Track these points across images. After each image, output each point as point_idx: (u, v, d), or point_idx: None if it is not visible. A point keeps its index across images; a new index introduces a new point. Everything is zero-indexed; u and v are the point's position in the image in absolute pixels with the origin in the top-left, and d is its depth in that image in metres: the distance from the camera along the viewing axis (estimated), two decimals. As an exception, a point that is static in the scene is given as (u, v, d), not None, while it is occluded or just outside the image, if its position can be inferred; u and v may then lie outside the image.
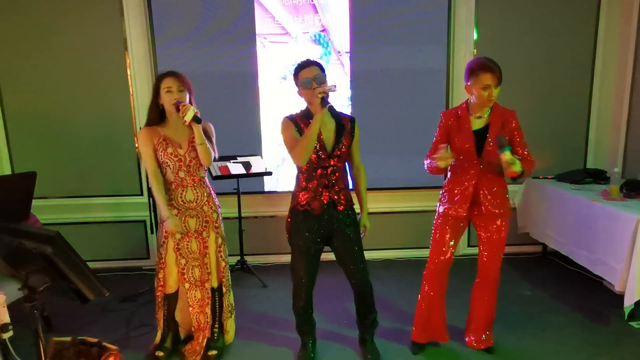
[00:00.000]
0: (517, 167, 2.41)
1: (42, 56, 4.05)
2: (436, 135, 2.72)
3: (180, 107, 2.51)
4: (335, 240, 2.62)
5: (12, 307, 2.52)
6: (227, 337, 2.96)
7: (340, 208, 2.57)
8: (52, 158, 4.20)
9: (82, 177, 4.27)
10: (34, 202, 3.15)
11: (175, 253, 2.71)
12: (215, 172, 3.75)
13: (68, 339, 2.31)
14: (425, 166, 2.70)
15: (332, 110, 2.40)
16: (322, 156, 2.51)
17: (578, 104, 4.42)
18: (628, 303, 3.02)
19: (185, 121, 2.51)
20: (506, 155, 2.39)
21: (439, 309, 2.82)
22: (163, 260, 2.73)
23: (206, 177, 2.79)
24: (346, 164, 2.67)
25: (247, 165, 3.89)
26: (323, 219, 2.56)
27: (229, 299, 2.90)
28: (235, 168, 3.82)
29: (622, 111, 4.27)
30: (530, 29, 4.25)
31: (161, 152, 2.61)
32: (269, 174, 3.97)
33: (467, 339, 2.93)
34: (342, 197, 2.58)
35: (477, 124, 2.61)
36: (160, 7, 4.00)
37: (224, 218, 4.27)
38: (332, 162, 2.52)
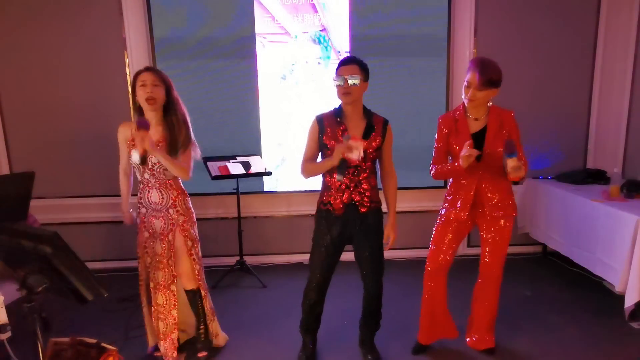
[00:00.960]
0: (522, 172, 2.37)
1: (41, 55, 4.03)
2: (436, 140, 2.68)
3: (135, 132, 2.39)
4: (355, 241, 2.60)
5: (10, 308, 2.51)
6: (218, 339, 2.93)
7: (363, 210, 2.53)
8: (50, 158, 4.19)
9: (81, 177, 4.25)
10: (33, 202, 3.14)
11: (143, 249, 2.68)
12: (215, 172, 3.74)
13: (66, 339, 2.30)
14: (434, 172, 2.66)
15: (364, 109, 2.51)
16: None
17: (578, 104, 4.41)
18: (629, 304, 3.01)
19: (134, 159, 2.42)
20: (514, 162, 2.35)
21: (442, 307, 2.82)
22: (139, 255, 2.71)
23: (178, 180, 2.67)
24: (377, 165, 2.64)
25: (246, 165, 3.88)
26: (344, 219, 2.54)
27: (209, 301, 2.83)
28: (235, 168, 3.81)
29: (622, 111, 4.27)
30: (531, 30, 4.24)
31: (128, 152, 2.58)
32: (269, 174, 3.96)
33: (468, 339, 2.92)
34: (365, 199, 2.53)
35: (475, 126, 2.58)
36: (159, 7, 3.99)
37: (222, 218, 4.33)
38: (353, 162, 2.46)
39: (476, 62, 2.46)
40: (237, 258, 4.09)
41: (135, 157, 2.38)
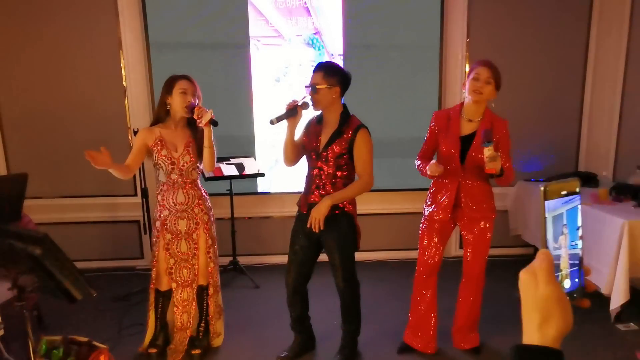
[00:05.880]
0: (498, 164, 2.35)
1: (37, 56, 4.07)
2: (427, 135, 2.76)
3: (195, 110, 2.59)
4: (323, 242, 2.67)
5: (3, 307, 2.55)
6: (218, 339, 2.97)
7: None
8: (46, 158, 4.22)
9: (76, 177, 4.28)
10: (28, 202, 3.17)
11: (165, 252, 2.74)
12: (208, 173, 3.77)
13: (58, 337, 2.34)
14: (417, 167, 2.75)
15: (343, 114, 2.58)
16: (313, 156, 2.61)
17: (570, 108, 4.45)
18: (614, 306, 3.05)
19: (200, 122, 2.58)
20: (489, 150, 2.33)
21: (432, 310, 2.85)
22: (156, 257, 2.77)
23: (198, 180, 2.84)
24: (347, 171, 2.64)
25: (240, 167, 3.91)
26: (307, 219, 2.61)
27: (217, 299, 2.91)
28: (228, 169, 3.85)
29: (613, 115, 4.30)
30: (523, 35, 4.28)
31: (156, 153, 2.66)
32: (262, 175, 4.00)
33: (453, 339, 2.96)
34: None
35: (466, 128, 2.61)
36: (154, 8, 4.02)
37: (217, 219, 4.35)
38: (318, 164, 2.59)
39: (483, 61, 2.55)
40: (231, 258, 4.13)
41: (207, 118, 2.55)
